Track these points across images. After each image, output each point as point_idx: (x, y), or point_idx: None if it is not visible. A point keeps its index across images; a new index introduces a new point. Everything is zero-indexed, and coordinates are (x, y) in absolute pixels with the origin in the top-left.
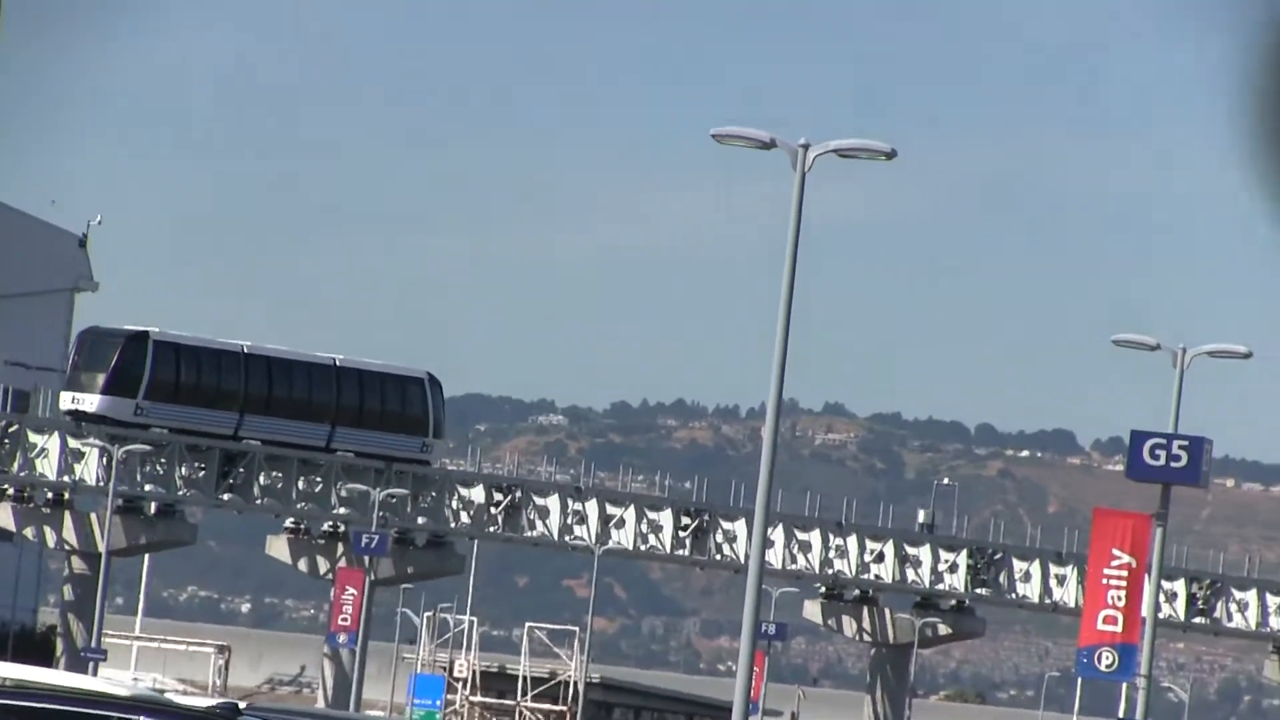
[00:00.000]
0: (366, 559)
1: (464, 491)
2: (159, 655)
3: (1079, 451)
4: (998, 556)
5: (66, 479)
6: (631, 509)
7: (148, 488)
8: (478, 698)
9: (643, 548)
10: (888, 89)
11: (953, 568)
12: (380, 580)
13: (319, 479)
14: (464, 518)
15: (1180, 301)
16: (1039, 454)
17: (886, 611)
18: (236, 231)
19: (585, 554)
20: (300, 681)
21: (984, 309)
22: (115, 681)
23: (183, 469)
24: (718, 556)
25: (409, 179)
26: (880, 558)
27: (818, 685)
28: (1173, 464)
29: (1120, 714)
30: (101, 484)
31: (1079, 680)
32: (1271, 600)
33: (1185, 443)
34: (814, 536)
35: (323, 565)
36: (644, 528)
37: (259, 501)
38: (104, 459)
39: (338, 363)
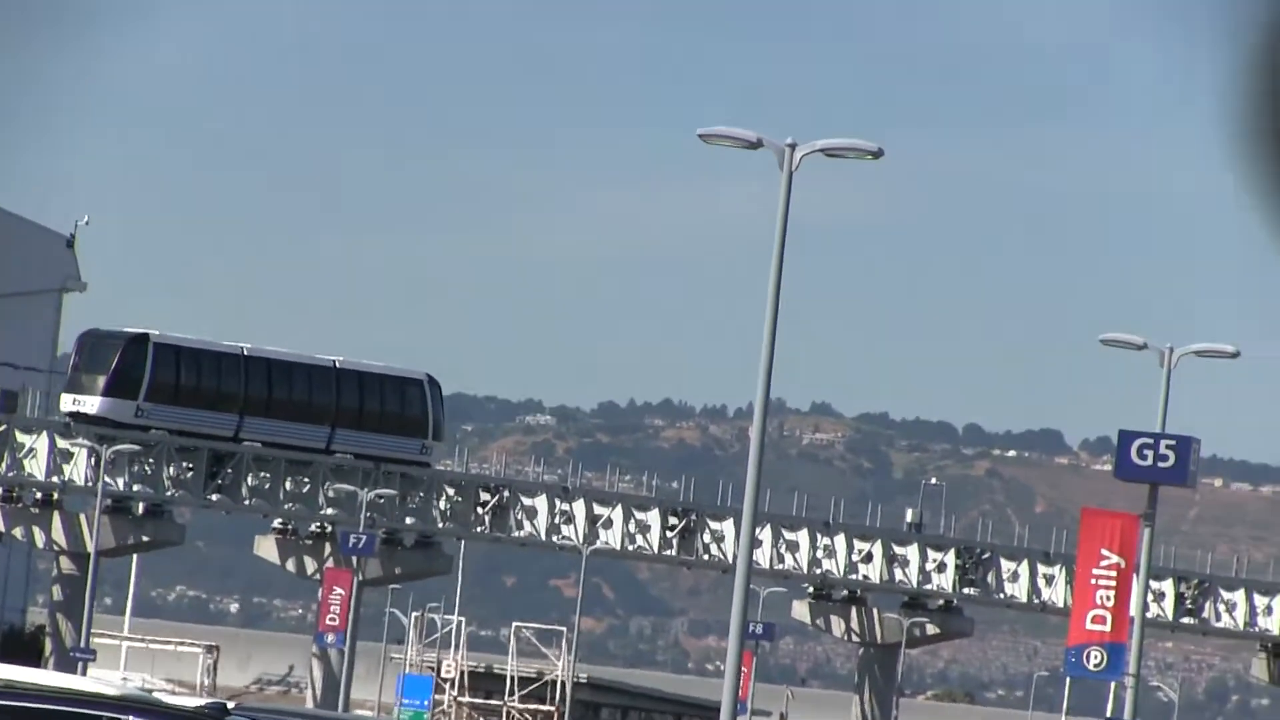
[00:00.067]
0: (354, 559)
1: (451, 492)
2: (147, 655)
3: (1067, 451)
4: (986, 556)
5: (55, 479)
6: (619, 509)
7: (136, 488)
8: (465, 697)
9: (630, 547)
10: (888, 89)
11: (941, 567)
12: (368, 580)
13: (307, 479)
14: (451, 518)
15: (1168, 301)
16: (1027, 454)
17: (874, 611)
18: (237, 231)
19: (573, 554)
20: (289, 681)
21: (971, 309)
22: (104, 681)
23: (171, 469)
24: (705, 556)
25: (410, 179)
26: (868, 557)
27: (806, 685)
28: (1160, 464)
29: (1109, 713)
30: (90, 484)
31: (1067, 680)
32: (1259, 600)
33: (1173, 442)
34: (802, 536)
35: (310, 565)
36: (631, 527)
37: (247, 502)
38: (93, 459)
39: (337, 364)
